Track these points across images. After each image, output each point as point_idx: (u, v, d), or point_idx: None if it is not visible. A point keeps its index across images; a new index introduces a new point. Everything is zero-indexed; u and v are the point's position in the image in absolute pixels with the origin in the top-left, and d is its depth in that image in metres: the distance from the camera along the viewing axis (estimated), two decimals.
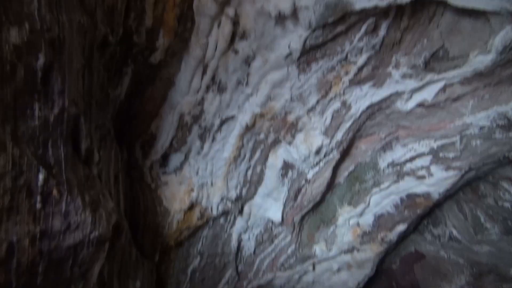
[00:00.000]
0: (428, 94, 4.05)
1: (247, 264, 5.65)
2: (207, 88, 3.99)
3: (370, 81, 4.11)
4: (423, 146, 4.14)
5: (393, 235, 4.84)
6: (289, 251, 5.36)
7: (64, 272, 3.65)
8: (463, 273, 4.94)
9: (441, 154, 4.08)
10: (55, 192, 3.04)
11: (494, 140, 3.88)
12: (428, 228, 5.13)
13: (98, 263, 3.87)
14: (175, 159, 4.61)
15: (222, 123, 4.33)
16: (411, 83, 4.01)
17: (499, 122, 3.80)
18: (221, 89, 4.06)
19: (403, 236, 5.04)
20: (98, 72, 3.53)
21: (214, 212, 4.82)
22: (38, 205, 3.12)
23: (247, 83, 4.00)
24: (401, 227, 4.70)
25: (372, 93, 4.18)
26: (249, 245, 5.42)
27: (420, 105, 4.11)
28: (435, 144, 4.07)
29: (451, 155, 4.01)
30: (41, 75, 2.72)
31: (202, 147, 4.50)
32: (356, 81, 4.08)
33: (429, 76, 3.90)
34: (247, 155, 4.56)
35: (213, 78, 3.92)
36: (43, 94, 2.83)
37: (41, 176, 3.00)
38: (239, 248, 5.43)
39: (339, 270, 5.44)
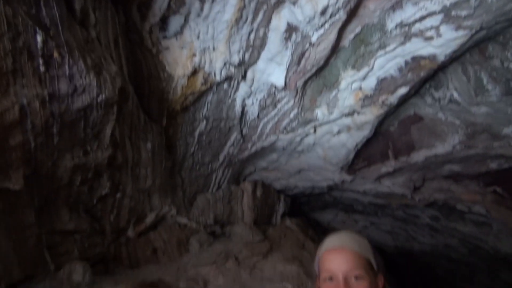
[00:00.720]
0: None
1: (251, 127, 5.91)
2: None
3: None
4: (435, 4, 3.90)
5: (394, 98, 4.92)
6: (292, 115, 5.54)
7: (77, 133, 3.86)
8: (457, 133, 5.17)
9: (453, 12, 3.87)
10: (56, 54, 3.02)
11: None
12: (429, 91, 5.18)
13: (109, 125, 4.06)
14: (175, 22, 4.44)
15: None
16: None
17: None
18: None
19: (403, 99, 5.12)
20: None
21: (218, 77, 4.84)
22: (42, 68, 3.13)
23: None
24: (402, 90, 4.74)
25: None
26: (252, 110, 5.58)
27: None
28: (448, 2, 3.83)
29: (463, 13, 3.80)
30: None
31: (201, 9, 4.28)
32: None
33: None
34: (249, 17, 4.36)
35: None
36: None
37: (39, 38, 2.94)
38: (243, 112, 5.61)
39: (339, 132, 5.71)
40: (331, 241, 0.97)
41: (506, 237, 7.26)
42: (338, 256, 0.93)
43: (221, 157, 6.39)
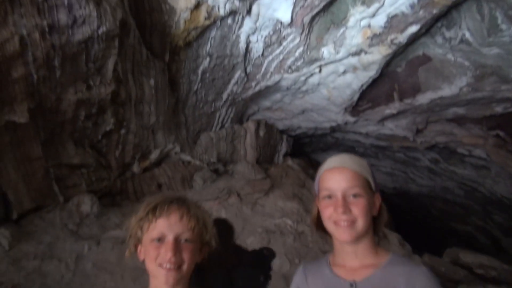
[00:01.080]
0: None
1: (255, 65, 5.80)
2: None
3: None
4: None
5: (403, 37, 4.76)
6: (297, 53, 5.41)
7: (80, 67, 3.81)
8: (465, 75, 5.06)
9: None
10: None
11: None
12: (440, 30, 4.98)
13: (111, 60, 4.00)
14: None
15: None
16: None
17: None
18: None
19: (413, 39, 4.95)
20: None
21: (222, 12, 4.66)
22: None
23: None
24: (413, 28, 4.57)
25: None
26: (257, 47, 5.44)
27: None
28: None
29: None
30: None
31: None
32: None
33: None
34: None
35: None
36: None
37: None
38: (247, 49, 5.48)
39: (344, 72, 5.60)
40: (331, 161, 0.99)
41: (504, 180, 7.41)
42: (337, 175, 0.94)
43: (224, 96, 6.35)
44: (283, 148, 7.97)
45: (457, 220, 10.51)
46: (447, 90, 5.40)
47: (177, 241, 0.94)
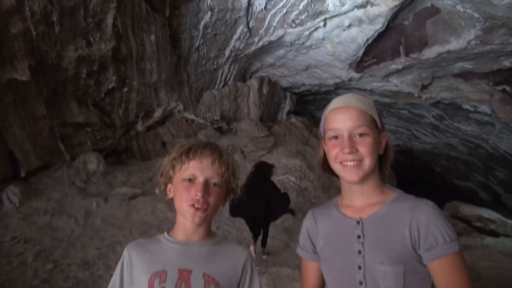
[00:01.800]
0: None
1: (258, 20, 5.65)
2: None
3: None
4: None
5: None
6: (301, 6, 5.24)
7: (78, 23, 3.73)
8: (474, 27, 4.91)
9: None
10: None
11: None
12: None
13: (110, 14, 3.90)
14: None
15: None
16: None
17: None
18: None
19: None
20: None
21: None
22: None
23: None
24: None
25: None
26: (260, 0, 5.27)
27: None
28: None
29: None
30: None
31: None
32: None
33: None
34: None
35: None
36: None
37: None
38: (249, 3, 5.31)
39: (349, 26, 5.45)
40: (336, 101, 0.98)
41: (507, 137, 7.39)
42: (343, 114, 0.93)
43: (227, 52, 6.24)
44: (287, 105, 7.93)
45: (459, 177, 10.61)
46: (454, 44, 5.26)
47: (206, 183, 0.99)
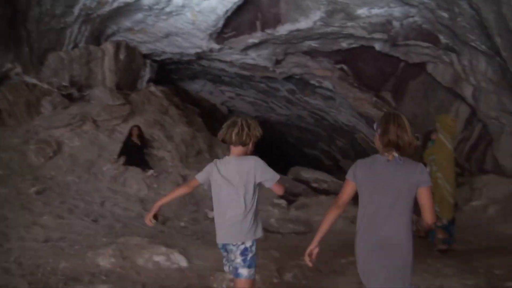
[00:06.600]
0: None
1: None
2: None
3: None
4: None
5: None
6: None
7: None
8: (319, 9, 5.42)
9: None
10: None
11: None
12: None
13: None
14: None
15: None
16: None
17: None
18: None
19: None
20: None
21: None
22: None
23: None
24: None
25: None
26: None
27: None
28: None
29: None
30: None
31: None
32: None
33: None
34: None
35: None
36: None
37: None
38: None
39: None
40: None
41: (345, 110, 8.52)
42: None
43: (76, 10, 5.61)
44: (147, 73, 7.59)
45: (308, 145, 11.86)
46: (303, 23, 5.75)
47: None
